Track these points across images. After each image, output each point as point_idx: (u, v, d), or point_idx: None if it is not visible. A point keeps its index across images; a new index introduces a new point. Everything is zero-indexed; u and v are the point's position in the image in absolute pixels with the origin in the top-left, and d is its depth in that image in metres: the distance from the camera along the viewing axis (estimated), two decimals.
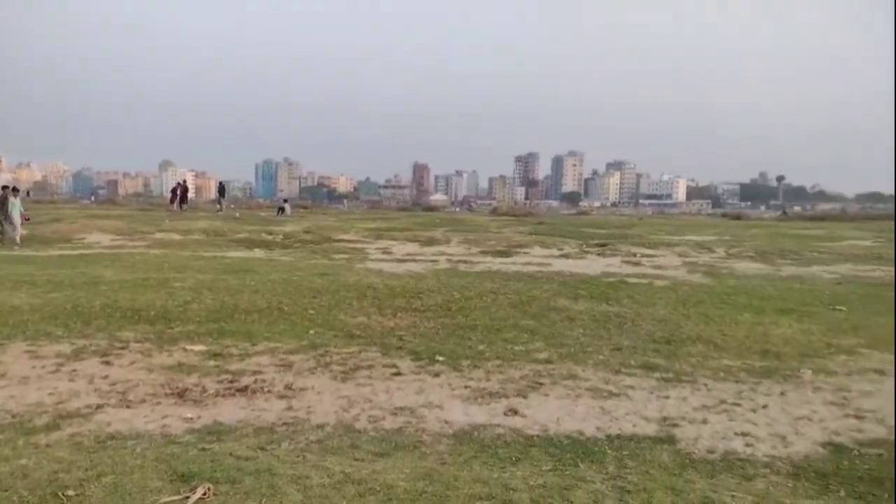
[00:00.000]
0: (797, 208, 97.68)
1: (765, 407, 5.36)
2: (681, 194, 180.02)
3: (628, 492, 3.62)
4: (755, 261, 16.88)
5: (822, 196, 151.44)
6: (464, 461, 4.10)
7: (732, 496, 3.61)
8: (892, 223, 28.12)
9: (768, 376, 6.28)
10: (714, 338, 7.82)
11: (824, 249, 19.18)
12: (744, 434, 4.74)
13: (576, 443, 4.52)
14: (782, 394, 5.75)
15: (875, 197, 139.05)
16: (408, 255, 17.33)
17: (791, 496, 3.68)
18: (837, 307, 10.02)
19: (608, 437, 4.66)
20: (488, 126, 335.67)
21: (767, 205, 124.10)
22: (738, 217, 49.02)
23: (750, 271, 14.84)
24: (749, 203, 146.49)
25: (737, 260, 17.09)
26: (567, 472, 3.94)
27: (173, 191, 36.59)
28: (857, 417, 5.15)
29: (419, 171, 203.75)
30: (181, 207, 33.74)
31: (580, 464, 4.11)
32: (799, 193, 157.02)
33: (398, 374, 6.20)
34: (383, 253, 17.72)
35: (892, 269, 14.51)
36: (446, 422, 4.90)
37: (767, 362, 6.78)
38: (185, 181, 40.50)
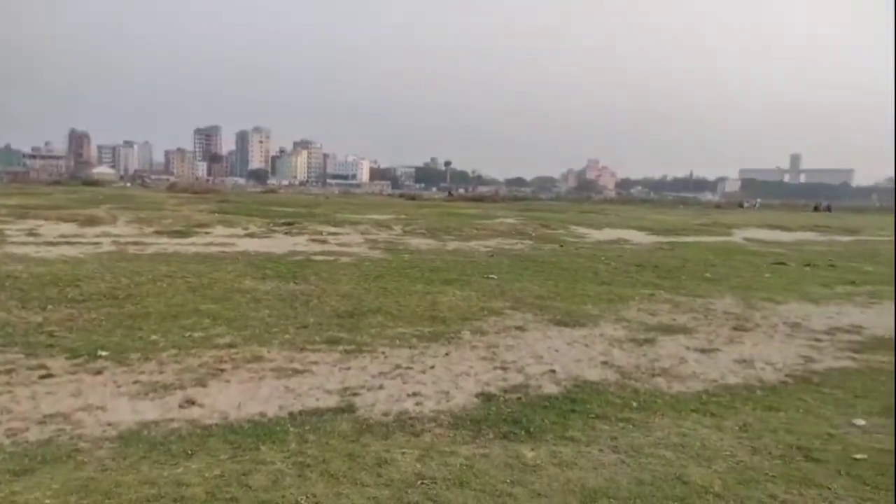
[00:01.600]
0: (461, 190, 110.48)
1: (432, 368, 5.97)
2: (364, 175, 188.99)
3: (307, 466, 3.70)
4: (426, 237, 18.65)
5: (480, 180, 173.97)
6: (129, 464, 3.71)
7: (403, 453, 3.95)
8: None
9: (436, 340, 7.00)
10: (391, 308, 8.42)
11: (481, 226, 22.07)
12: (414, 394, 5.21)
13: (257, 426, 4.45)
14: (447, 354, 6.47)
15: (519, 182, 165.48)
16: (62, 236, 14.92)
17: (451, 444, 4.18)
18: (490, 275, 11.65)
19: (291, 414, 4.68)
20: (166, 95, 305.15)
21: (438, 187, 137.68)
22: (413, 198, 53.57)
23: (422, 247, 16.35)
24: (423, 185, 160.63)
25: (411, 236, 18.66)
26: (246, 457, 3.85)
27: None
28: (503, 369, 6.06)
29: (77, 139, 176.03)
30: None
31: (261, 446, 4.05)
32: (463, 177, 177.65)
33: (48, 376, 5.32)
34: (28, 235, 14.96)
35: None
36: (109, 424, 4.37)
37: (435, 327, 7.56)
38: None
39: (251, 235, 17.06)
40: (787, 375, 6.18)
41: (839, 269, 14.90)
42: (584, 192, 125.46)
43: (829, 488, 3.64)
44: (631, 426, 4.62)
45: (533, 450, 4.11)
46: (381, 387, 5.39)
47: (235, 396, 5.04)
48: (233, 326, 7.18)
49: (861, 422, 4.83)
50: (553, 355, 6.63)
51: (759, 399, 5.39)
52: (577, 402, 5.13)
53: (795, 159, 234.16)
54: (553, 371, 6.04)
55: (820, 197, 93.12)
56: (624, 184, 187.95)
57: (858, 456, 4.11)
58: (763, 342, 7.56)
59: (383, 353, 6.44)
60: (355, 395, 5.18)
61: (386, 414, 4.76)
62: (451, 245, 17.11)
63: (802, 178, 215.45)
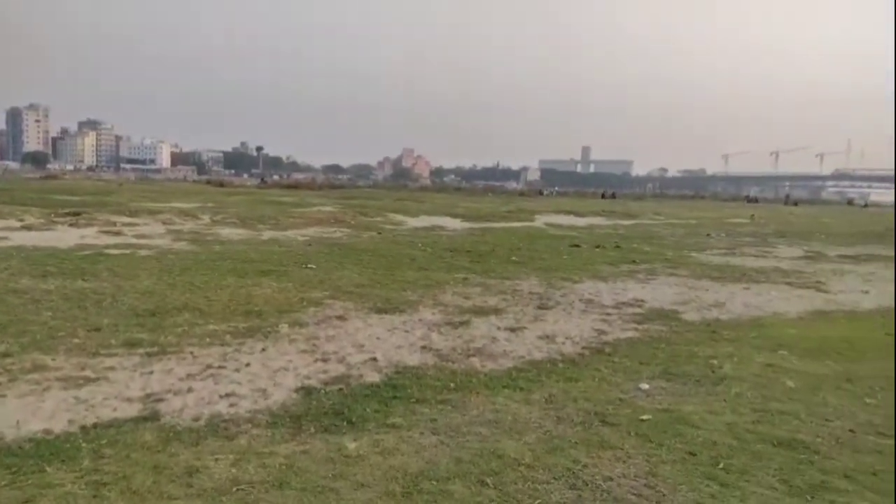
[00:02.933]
0: (276, 177, 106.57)
1: (248, 365, 5.68)
2: (165, 160, 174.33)
3: (104, 484, 3.32)
4: (238, 227, 17.71)
5: (295, 167, 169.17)
6: None
7: (216, 459, 3.70)
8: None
9: (251, 335, 6.66)
10: (200, 304, 7.86)
11: (297, 215, 21.47)
12: (228, 395, 4.91)
13: (41, 444, 3.89)
14: (263, 350, 6.19)
15: (336, 168, 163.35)
16: None
17: (269, 444, 4.00)
18: (308, 265, 11.37)
19: (83, 428, 4.17)
20: None
21: (250, 173, 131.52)
22: (222, 184, 50.46)
23: (234, 237, 15.49)
24: (233, 171, 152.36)
25: (221, 226, 17.59)
26: (29, 482, 3.36)
27: None
28: (324, 360, 5.94)
29: None
30: None
31: (47, 467, 3.56)
32: (276, 163, 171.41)
33: None
34: None
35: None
36: None
37: (250, 322, 7.20)
38: None
39: (28, 228, 14.91)
40: (583, 348, 6.80)
41: (623, 250, 16.74)
42: (400, 180, 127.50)
43: (622, 448, 4.07)
44: (450, 407, 4.77)
45: (355, 440, 4.08)
46: (189, 390, 5.00)
47: (13, 413, 4.37)
48: (7, 333, 6.22)
49: (646, 386, 5.47)
50: (374, 343, 6.65)
51: (561, 371, 5.87)
52: (398, 389, 5.19)
53: (586, 151, 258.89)
54: (374, 359, 6.06)
55: (606, 185, 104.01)
56: (438, 172, 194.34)
57: (644, 417, 4.65)
58: (563, 318, 8.24)
59: (192, 353, 5.98)
60: (160, 401, 4.75)
61: (196, 419, 4.43)
62: (266, 235, 16.42)
63: (592, 168, 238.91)
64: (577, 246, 17.13)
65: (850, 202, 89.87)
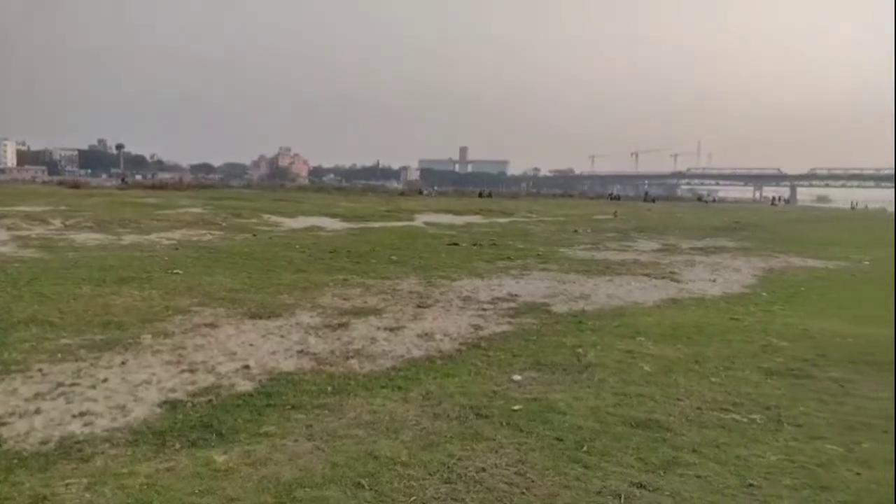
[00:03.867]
0: (138, 177, 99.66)
1: (105, 381, 5.27)
2: (10, 159, 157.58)
3: None
4: (95, 231, 16.39)
5: (160, 166, 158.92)
6: None
7: (67, 484, 3.41)
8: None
9: (110, 348, 6.19)
10: (51, 317, 7.20)
11: (162, 217, 20.20)
12: (82, 414, 4.54)
13: None
14: (123, 363, 5.77)
15: (206, 168, 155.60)
16: None
17: (129, 464, 3.74)
18: (175, 271, 10.74)
19: None
20: None
21: (109, 173, 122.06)
22: (77, 185, 46.37)
23: (90, 242, 14.32)
24: (89, 171, 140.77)
25: (75, 231, 16.20)
26: None
27: None
28: (191, 371, 5.64)
29: None
30: None
31: None
32: (139, 162, 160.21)
33: None
34: None
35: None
36: None
37: (109, 334, 6.69)
38: None
39: None
40: (461, 344, 6.96)
41: (499, 247, 17.30)
42: (277, 180, 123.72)
43: (495, 439, 4.21)
44: (326, 411, 4.71)
45: (225, 453, 3.91)
46: (37, 411, 4.56)
47: None
48: None
49: (518, 377, 5.69)
50: (247, 350, 6.41)
51: (439, 368, 5.97)
52: (272, 396, 5.04)
53: (463, 151, 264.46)
54: (247, 367, 5.84)
55: (484, 184, 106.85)
56: (317, 172, 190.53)
57: (516, 407, 4.84)
58: (441, 316, 8.38)
59: (40, 370, 5.46)
60: (2, 424, 4.30)
61: (45, 442, 4.06)
62: (127, 239, 15.31)
63: (470, 168, 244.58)
64: (456, 244, 17.47)
65: (700, 198, 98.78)
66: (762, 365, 6.30)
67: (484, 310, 8.90)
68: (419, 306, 8.96)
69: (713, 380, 5.80)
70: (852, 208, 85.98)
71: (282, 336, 7.02)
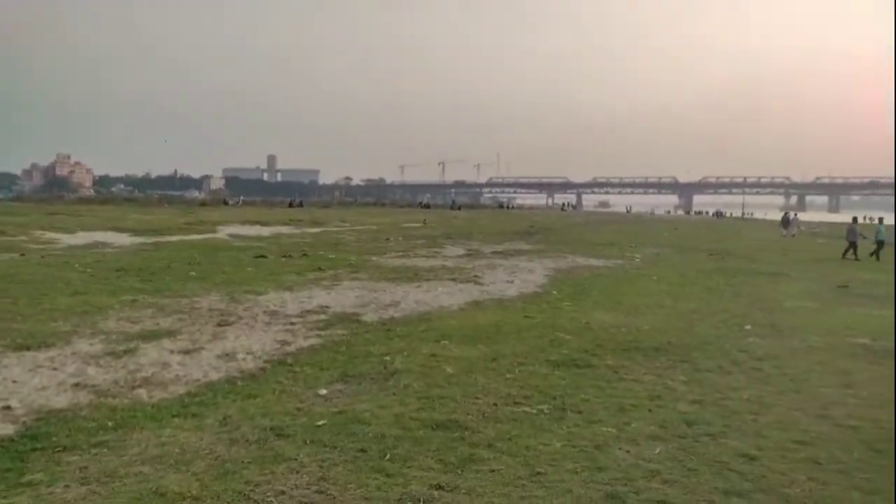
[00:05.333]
0: None
1: None
2: None
3: None
4: None
5: None
6: None
7: None
8: None
9: None
10: None
11: None
12: None
13: None
14: None
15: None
16: None
17: None
18: None
19: None
20: None
21: None
22: None
23: None
24: None
25: None
26: None
27: None
28: None
29: None
30: None
31: None
32: None
33: None
34: None
35: None
36: None
37: None
38: None
39: None
40: (265, 361, 6.68)
41: (310, 258, 16.96)
42: (54, 191, 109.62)
43: (297, 459, 4.08)
44: (105, 450, 4.22)
45: None
46: None
47: None
48: None
49: (324, 391, 5.60)
50: (10, 388, 5.56)
51: (240, 390, 5.66)
52: (39, 438, 4.41)
53: (272, 159, 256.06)
54: (8, 407, 5.07)
55: (294, 194, 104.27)
56: (104, 181, 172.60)
57: (320, 423, 4.74)
58: (245, 333, 7.99)
59: None
60: None
61: None
62: None
63: (279, 177, 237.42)
64: (263, 256, 16.81)
65: (500, 205, 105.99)
66: (550, 358, 6.87)
67: (292, 324, 8.64)
68: (220, 325, 8.45)
69: (508, 376, 6.19)
70: (627, 211, 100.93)
71: (54, 369, 6.20)
